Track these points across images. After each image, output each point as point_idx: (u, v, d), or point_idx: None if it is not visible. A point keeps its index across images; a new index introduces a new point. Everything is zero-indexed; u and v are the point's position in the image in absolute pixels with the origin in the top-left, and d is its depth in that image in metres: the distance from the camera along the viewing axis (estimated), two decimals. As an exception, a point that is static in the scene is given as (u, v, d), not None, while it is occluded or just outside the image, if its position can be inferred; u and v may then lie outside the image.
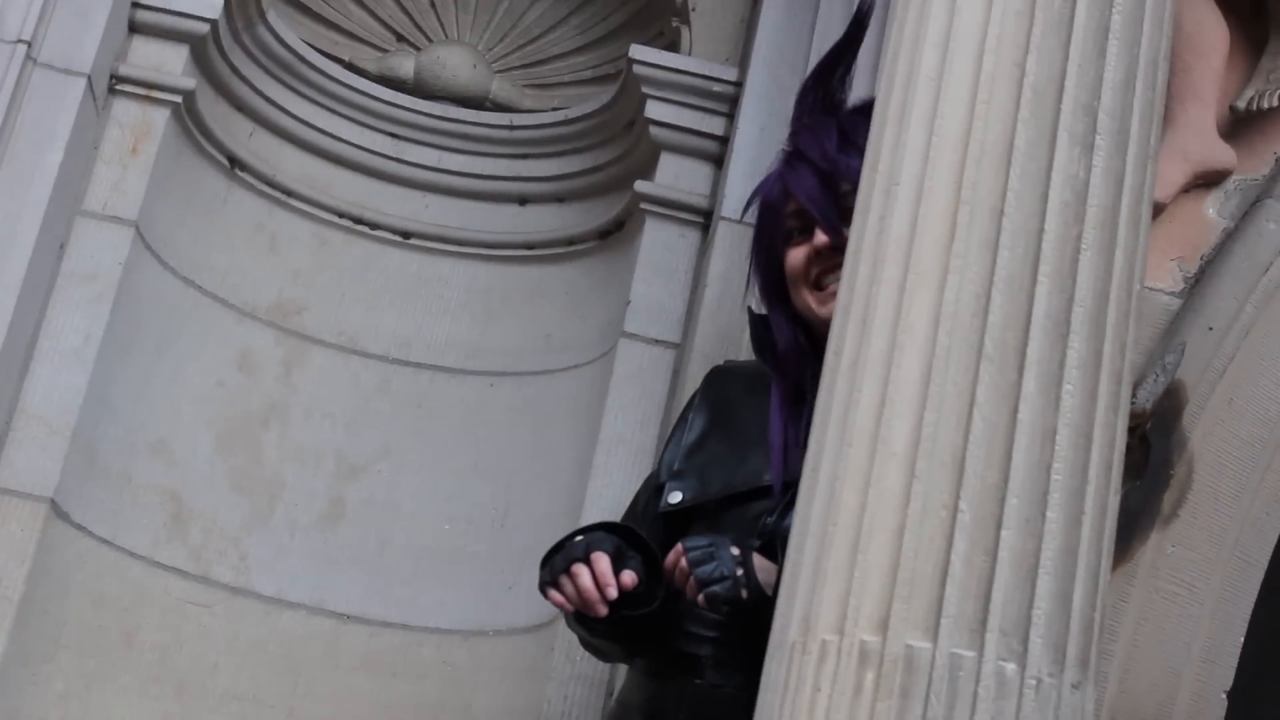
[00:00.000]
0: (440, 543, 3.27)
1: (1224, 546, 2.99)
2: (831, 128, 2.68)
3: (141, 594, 3.15)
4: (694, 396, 2.80)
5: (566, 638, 2.97)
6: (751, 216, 2.78)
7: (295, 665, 3.19)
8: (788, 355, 2.68)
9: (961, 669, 2.07)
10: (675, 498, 2.66)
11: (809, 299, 2.67)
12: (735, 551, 2.45)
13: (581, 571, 2.48)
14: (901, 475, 2.15)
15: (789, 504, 2.57)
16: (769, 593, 2.31)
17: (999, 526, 2.13)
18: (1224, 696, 2.95)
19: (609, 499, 3.07)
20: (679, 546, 2.46)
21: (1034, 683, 2.09)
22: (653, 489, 2.74)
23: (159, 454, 3.22)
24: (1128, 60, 2.36)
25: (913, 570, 2.10)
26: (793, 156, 2.72)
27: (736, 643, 2.49)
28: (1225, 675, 2.96)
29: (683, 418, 2.78)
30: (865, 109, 2.77)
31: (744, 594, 2.41)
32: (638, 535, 2.57)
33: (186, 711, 3.12)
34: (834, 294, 2.60)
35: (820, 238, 2.65)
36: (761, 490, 2.60)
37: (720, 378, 2.82)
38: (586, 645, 2.69)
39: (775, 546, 2.43)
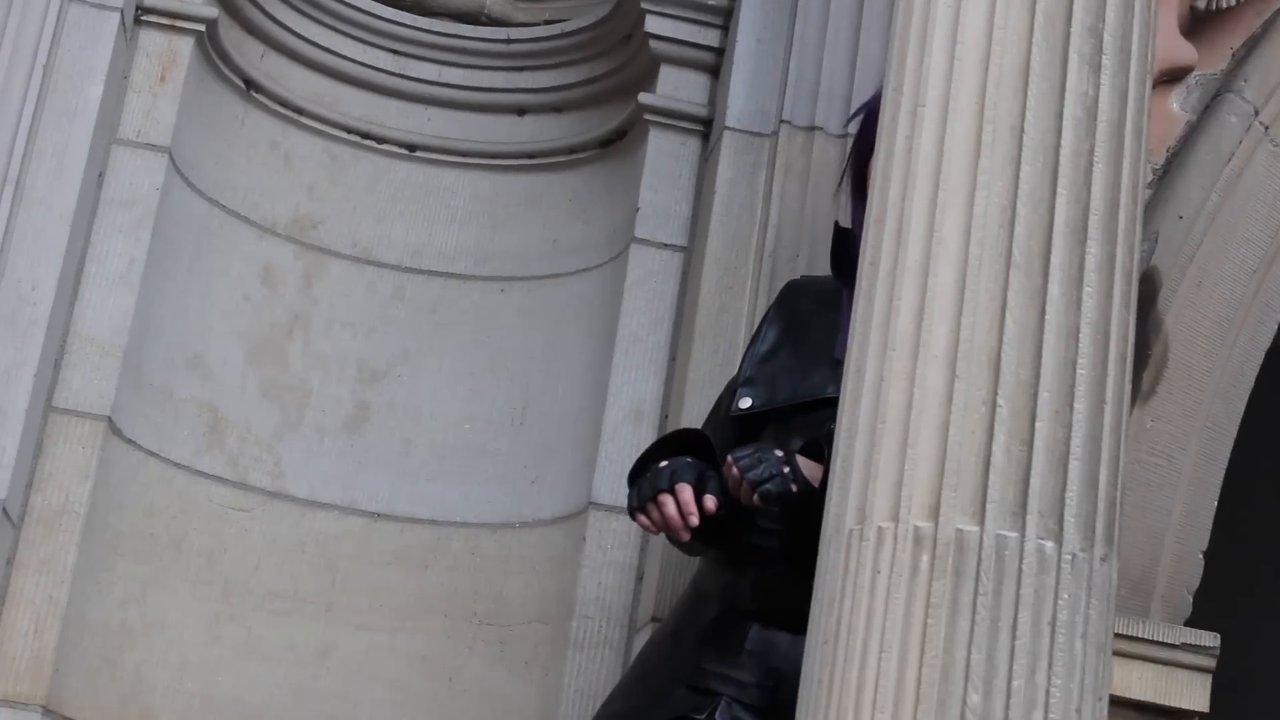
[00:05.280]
0: (462, 441, 3.42)
1: (1197, 418, 3.22)
2: None
3: (187, 502, 3.30)
4: (770, 309, 2.99)
5: (597, 528, 3.18)
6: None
7: (331, 562, 3.35)
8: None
9: (1007, 549, 2.29)
10: (745, 403, 2.86)
11: None
12: (779, 453, 2.65)
13: (667, 501, 2.69)
14: (943, 375, 2.35)
15: None
16: (815, 485, 2.51)
17: (1033, 419, 2.34)
18: (1200, 555, 3.21)
19: (629, 395, 3.26)
20: (729, 458, 2.66)
21: (1069, 558, 2.31)
22: (730, 394, 2.92)
23: (195, 368, 3.35)
24: (1126, -19, 2.55)
25: (958, 461, 2.31)
26: None
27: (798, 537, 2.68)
28: (1201, 536, 3.19)
29: (758, 329, 2.97)
30: None
31: (794, 487, 2.62)
32: (713, 448, 2.76)
33: (234, 610, 3.29)
34: None
35: None
36: (825, 401, 2.75)
37: (794, 292, 3.00)
38: (671, 541, 2.85)
39: (819, 445, 2.64)
